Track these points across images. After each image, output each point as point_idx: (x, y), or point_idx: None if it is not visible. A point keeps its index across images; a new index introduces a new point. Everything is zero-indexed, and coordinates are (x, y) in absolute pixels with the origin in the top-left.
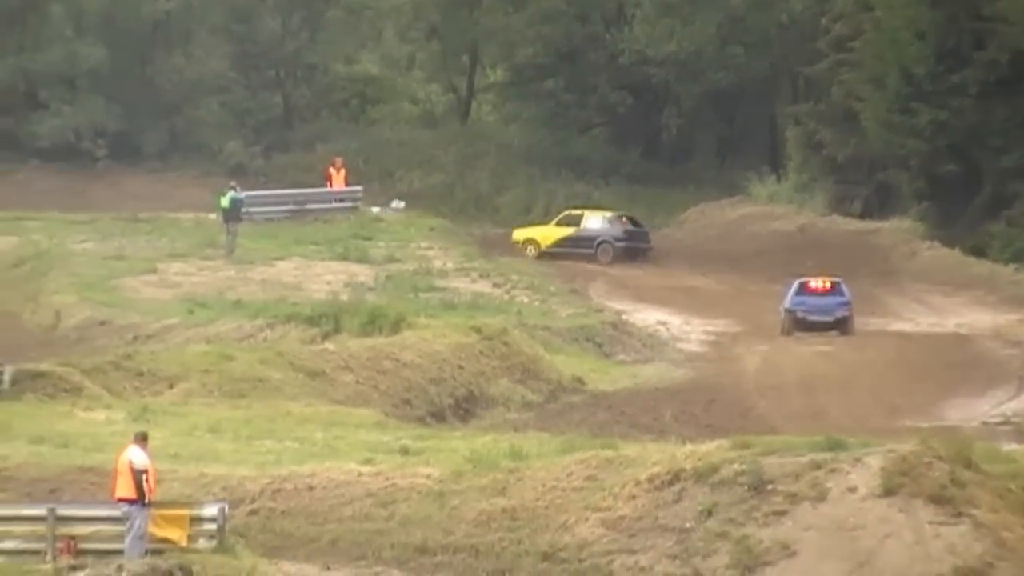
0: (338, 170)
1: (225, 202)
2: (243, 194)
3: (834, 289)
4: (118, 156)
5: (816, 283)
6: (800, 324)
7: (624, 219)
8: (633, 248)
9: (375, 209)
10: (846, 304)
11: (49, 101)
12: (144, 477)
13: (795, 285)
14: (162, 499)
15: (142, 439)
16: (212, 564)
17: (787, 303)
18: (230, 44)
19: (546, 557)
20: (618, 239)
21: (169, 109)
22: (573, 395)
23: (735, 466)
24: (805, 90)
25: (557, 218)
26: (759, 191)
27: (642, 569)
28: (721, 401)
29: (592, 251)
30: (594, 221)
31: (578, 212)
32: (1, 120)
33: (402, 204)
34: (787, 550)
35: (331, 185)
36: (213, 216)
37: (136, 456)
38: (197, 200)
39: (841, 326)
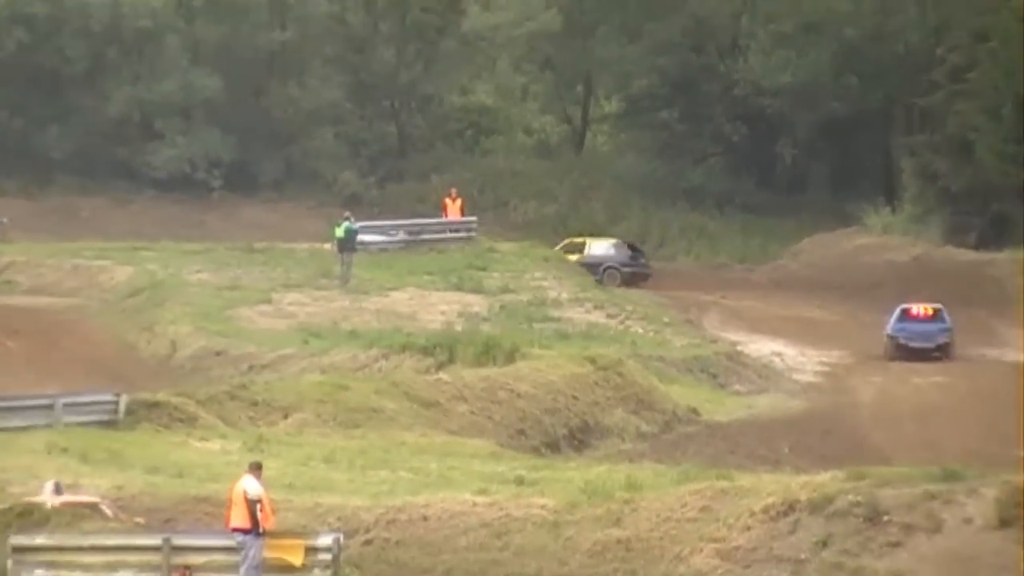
0: (453, 200)
1: (340, 232)
2: (357, 224)
3: (936, 316)
4: (233, 186)
5: (918, 310)
6: (901, 350)
7: (626, 245)
8: (638, 273)
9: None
10: (947, 331)
11: (165, 131)
12: (258, 506)
13: (897, 312)
14: (277, 529)
15: (256, 469)
16: None
17: (889, 329)
18: (345, 74)
19: None
20: (624, 264)
21: (284, 139)
22: (688, 426)
23: (850, 497)
24: (920, 121)
25: (560, 245)
26: (874, 222)
27: None
28: (836, 432)
29: (599, 276)
30: (598, 247)
31: (580, 240)
32: (118, 150)
33: None
34: None
35: (446, 215)
36: (328, 246)
37: (250, 486)
38: (312, 230)
39: (942, 352)
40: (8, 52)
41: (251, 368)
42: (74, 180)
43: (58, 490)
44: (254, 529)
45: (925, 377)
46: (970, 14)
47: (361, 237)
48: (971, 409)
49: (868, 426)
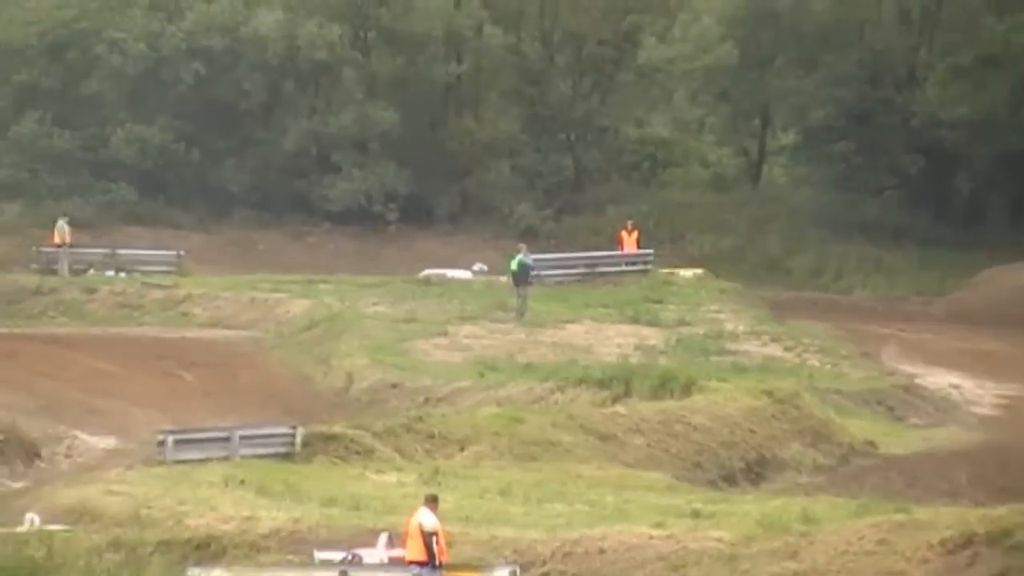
0: (630, 233)
1: (515, 265)
2: (530, 257)
3: None
4: (409, 219)
5: None
6: None
7: None
8: None
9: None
10: None
11: (341, 164)
12: (434, 539)
13: None
14: (454, 562)
15: (432, 501)
16: None
17: None
18: (520, 107)
19: None
20: None
21: (460, 172)
22: (865, 459)
23: None
24: None
25: None
26: None
27: None
28: (1014, 464)
29: None
30: None
31: None
32: (295, 183)
33: (484, 267)
34: None
35: (622, 248)
36: (504, 279)
37: (426, 519)
38: (487, 262)
39: None
40: (186, 85)
41: (427, 401)
42: (251, 213)
43: (391, 543)
44: (430, 562)
45: None
46: None
47: (536, 270)
48: None
49: None
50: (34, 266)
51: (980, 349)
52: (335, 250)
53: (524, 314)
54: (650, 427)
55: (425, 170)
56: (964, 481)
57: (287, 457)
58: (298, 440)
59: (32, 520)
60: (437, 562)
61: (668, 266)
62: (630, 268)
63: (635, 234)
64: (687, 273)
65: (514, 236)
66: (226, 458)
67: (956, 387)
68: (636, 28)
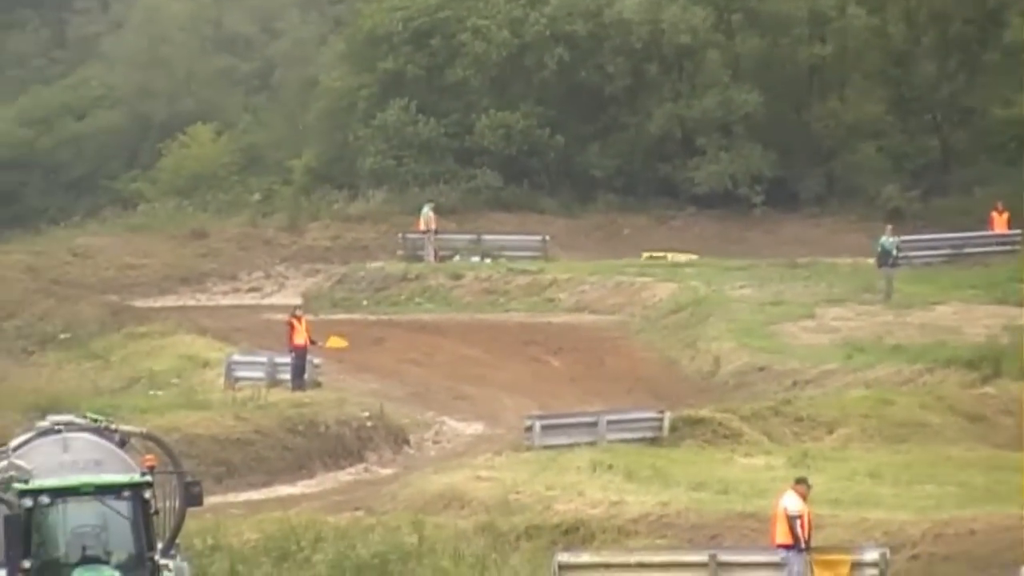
0: (1000, 213)
1: (881, 247)
2: (893, 239)
3: None
4: (774, 202)
5: None
6: None
7: None
8: None
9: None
10: None
11: (706, 148)
12: (798, 522)
13: None
14: (823, 544)
15: (800, 484)
16: None
17: None
18: (885, 88)
19: None
20: None
21: (825, 154)
22: None
23: None
24: None
25: None
26: None
27: None
28: None
29: None
30: None
31: None
32: (660, 167)
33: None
34: None
35: (992, 228)
36: (871, 261)
37: (791, 502)
38: (854, 245)
39: None
40: (549, 71)
41: (794, 384)
42: (615, 198)
43: None
44: (796, 545)
45: None
46: None
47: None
48: None
49: None
50: (400, 253)
51: None
52: (699, 233)
53: (891, 296)
54: (1021, 408)
55: (790, 152)
56: None
57: (654, 441)
58: (665, 424)
59: None
60: (803, 545)
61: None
62: (999, 249)
63: (1006, 215)
64: None
65: (880, 218)
66: (593, 443)
67: None
68: (1002, 6)
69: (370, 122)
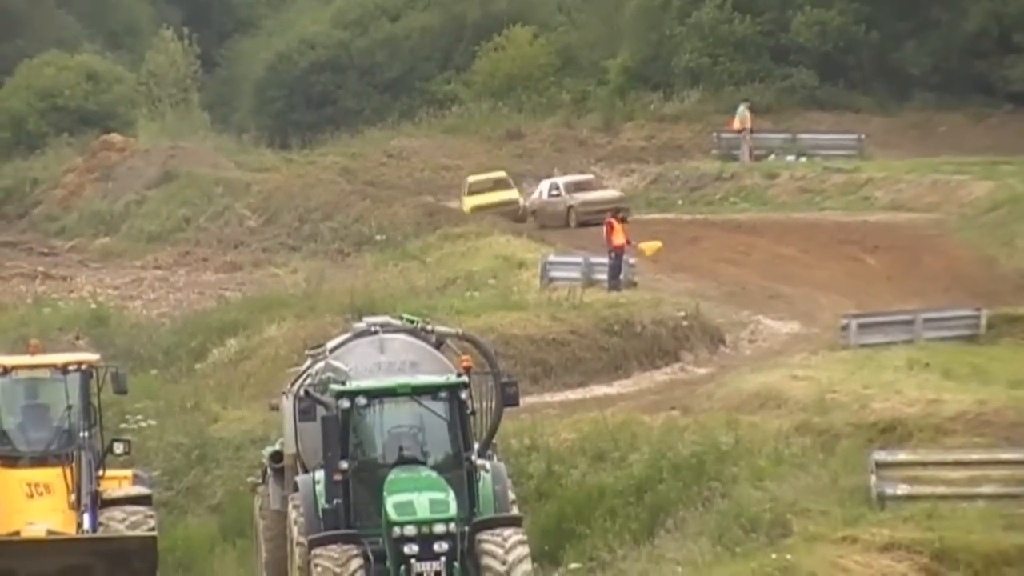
0: None
1: None
2: None
3: None
4: None
5: None
6: None
7: None
8: None
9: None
10: None
11: (1023, 45)
12: None
13: None
14: None
15: None
16: None
17: None
18: None
19: None
20: None
21: None
22: None
23: None
24: None
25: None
26: None
27: None
28: None
29: None
30: None
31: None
32: (976, 64)
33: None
34: None
35: None
36: None
37: None
38: None
39: None
40: None
41: None
42: (931, 95)
43: None
44: None
45: None
46: None
47: None
48: None
49: None
50: (715, 152)
51: None
52: (1017, 131)
53: None
54: None
55: None
56: None
57: (971, 339)
58: (983, 322)
59: None
60: None
61: None
62: None
63: None
64: None
65: None
66: (909, 341)
67: None
68: None
69: (685, 20)
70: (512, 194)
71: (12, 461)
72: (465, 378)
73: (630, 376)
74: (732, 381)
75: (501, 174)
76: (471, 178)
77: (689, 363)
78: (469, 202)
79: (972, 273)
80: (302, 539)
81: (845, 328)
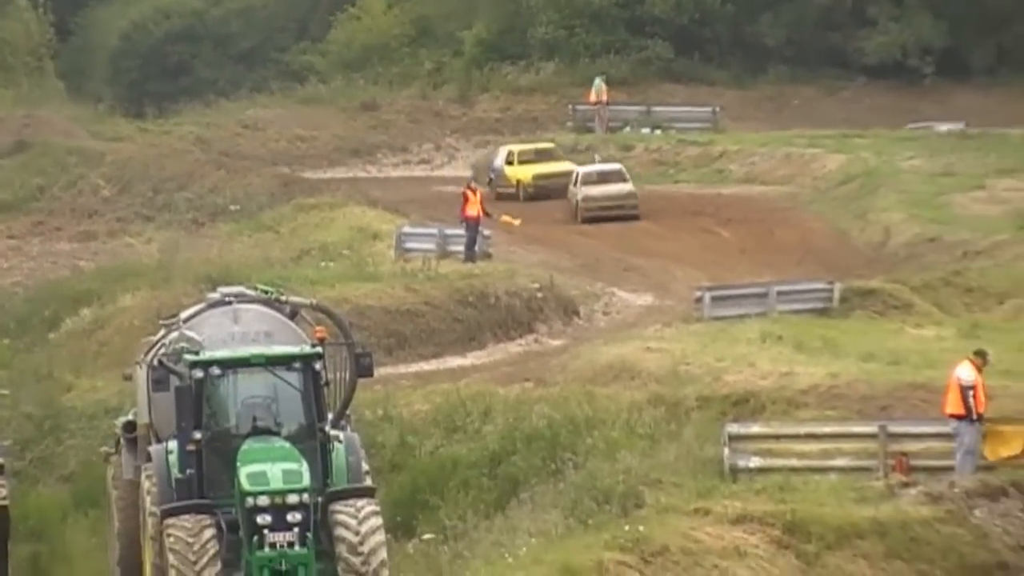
0: None
1: None
2: None
3: None
4: (944, 72)
5: None
6: None
7: None
8: None
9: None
10: None
11: (877, 18)
12: (970, 393)
13: None
14: (994, 415)
15: (977, 356)
16: None
17: None
18: None
19: None
20: None
21: (997, 23)
22: None
23: None
24: None
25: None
26: None
27: None
28: None
29: None
30: None
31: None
32: (829, 36)
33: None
34: None
35: None
36: None
37: (963, 372)
38: None
39: None
40: None
41: (965, 255)
42: (785, 68)
43: None
44: (967, 416)
45: None
46: None
47: None
48: None
49: None
50: (570, 124)
51: None
52: (870, 105)
53: None
54: None
55: (960, 22)
56: None
57: (824, 312)
58: (836, 295)
59: None
60: (974, 416)
61: None
62: None
63: None
64: None
65: None
66: (763, 314)
67: None
68: None
69: None
70: (566, 166)
71: None
72: (319, 349)
73: (484, 347)
74: (586, 353)
75: (548, 144)
76: (515, 147)
77: (543, 335)
78: (524, 171)
79: (825, 246)
80: (155, 509)
81: (699, 300)
